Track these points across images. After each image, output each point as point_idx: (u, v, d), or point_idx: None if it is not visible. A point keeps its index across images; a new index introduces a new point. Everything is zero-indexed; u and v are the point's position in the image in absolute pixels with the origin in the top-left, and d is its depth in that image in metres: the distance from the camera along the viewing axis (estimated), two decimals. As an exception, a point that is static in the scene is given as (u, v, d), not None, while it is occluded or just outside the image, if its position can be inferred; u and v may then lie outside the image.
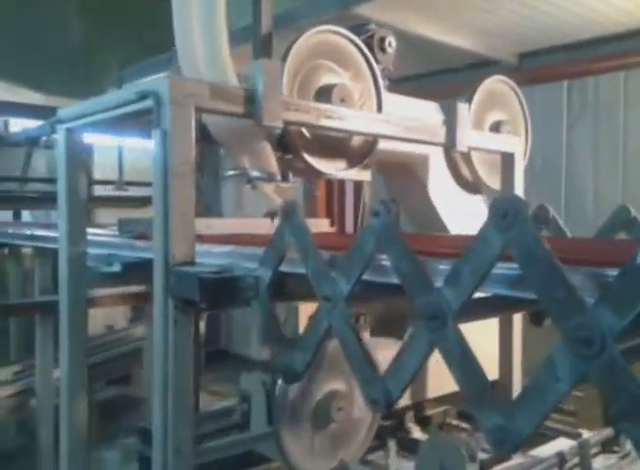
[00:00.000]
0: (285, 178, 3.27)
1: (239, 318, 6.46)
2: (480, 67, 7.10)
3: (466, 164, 4.26)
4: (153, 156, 2.26)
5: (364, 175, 3.70)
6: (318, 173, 3.37)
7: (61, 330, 2.87)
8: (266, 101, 2.46)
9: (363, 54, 3.51)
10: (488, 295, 1.90)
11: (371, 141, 3.49)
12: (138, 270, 2.75)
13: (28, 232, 5.02)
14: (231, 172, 3.34)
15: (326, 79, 3.33)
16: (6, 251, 6.91)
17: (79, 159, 2.79)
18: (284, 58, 3.15)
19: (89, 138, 8.59)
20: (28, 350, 7.66)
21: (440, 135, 3.28)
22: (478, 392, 1.72)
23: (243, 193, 3.51)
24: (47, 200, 7.38)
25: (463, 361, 1.74)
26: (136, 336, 7.66)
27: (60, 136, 2.73)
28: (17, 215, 7.58)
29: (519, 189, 3.83)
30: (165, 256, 2.26)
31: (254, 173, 3.16)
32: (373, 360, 2.00)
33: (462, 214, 4.23)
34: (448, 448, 3.06)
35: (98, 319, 7.85)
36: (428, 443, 3.26)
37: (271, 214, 3.23)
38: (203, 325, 7.91)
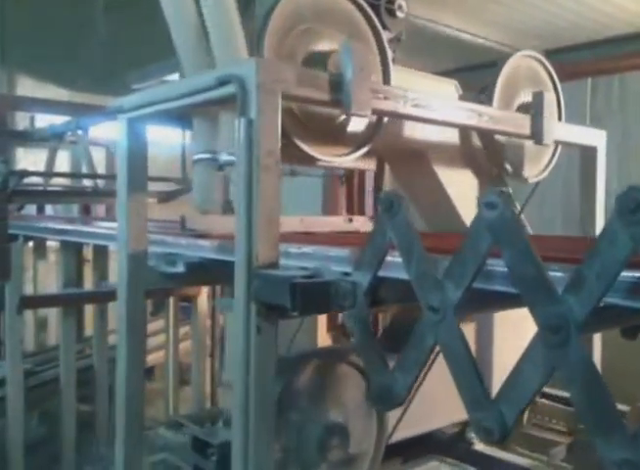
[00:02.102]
0: None
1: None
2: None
3: (491, 154, 3.54)
4: (236, 147, 1.94)
5: (367, 163, 3.19)
6: (311, 160, 2.74)
7: (119, 331, 2.53)
8: (355, 88, 2.12)
9: (367, 18, 2.83)
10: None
11: (374, 125, 2.84)
12: (202, 271, 2.44)
13: (57, 227, 4.81)
14: (198, 156, 2.66)
15: (321, 47, 2.66)
16: (30, 244, 6.59)
17: (141, 152, 2.45)
18: (266, 18, 2.50)
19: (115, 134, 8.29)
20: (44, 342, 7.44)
21: (526, 127, 2.91)
22: (603, 420, 1.42)
23: (213, 182, 2.75)
24: (70, 194, 7.12)
25: (588, 384, 1.44)
26: (156, 329, 7.34)
27: (121, 127, 2.40)
28: (40, 209, 7.27)
29: (600, 187, 3.44)
30: (249, 257, 1.93)
31: (226, 157, 2.50)
32: (485, 383, 1.69)
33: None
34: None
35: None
36: None
37: None
38: (223, 318, 7.61)
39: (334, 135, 2.77)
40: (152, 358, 7.12)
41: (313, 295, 1.85)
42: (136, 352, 2.53)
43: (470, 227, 1.67)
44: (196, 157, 2.70)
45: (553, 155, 3.59)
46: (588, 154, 3.48)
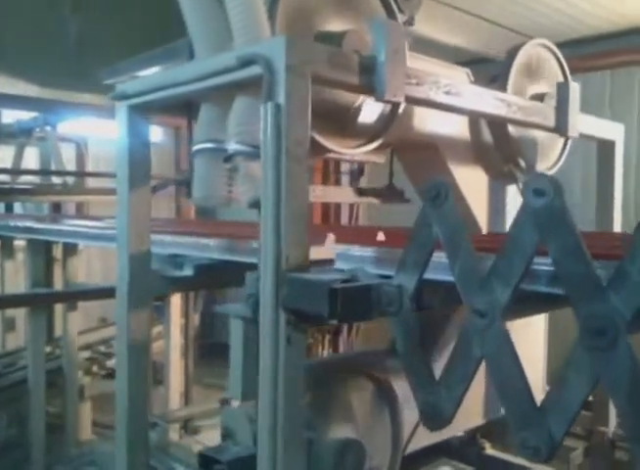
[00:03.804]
0: None
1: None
2: (473, 64, 6.59)
3: (503, 149, 3.12)
4: (262, 135, 1.65)
5: (376, 157, 2.88)
6: (322, 151, 2.37)
7: (119, 342, 2.20)
8: (389, 71, 1.85)
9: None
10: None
11: (386, 117, 2.53)
12: (212, 274, 2.13)
13: (24, 224, 4.57)
14: (202, 146, 2.22)
15: (333, 27, 2.36)
16: (-2, 243, 6.17)
17: (143, 143, 2.13)
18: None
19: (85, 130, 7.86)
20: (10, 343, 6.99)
21: (551, 119, 2.68)
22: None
23: (216, 174, 2.25)
24: (38, 192, 6.70)
25: (634, 391, 1.26)
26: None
27: (121, 116, 2.07)
28: (8, 208, 6.82)
29: (618, 182, 3.21)
30: (277, 259, 1.65)
31: (235, 147, 2.06)
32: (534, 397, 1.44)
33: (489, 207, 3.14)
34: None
35: (94, 310, 7.22)
36: None
37: (258, 205, 1.91)
38: (197, 318, 7.28)
39: (346, 126, 2.46)
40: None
41: (354, 301, 1.59)
42: (139, 366, 2.19)
43: (515, 219, 1.44)
44: (197, 147, 2.22)
45: (563, 148, 3.30)
46: (606, 148, 3.25)
